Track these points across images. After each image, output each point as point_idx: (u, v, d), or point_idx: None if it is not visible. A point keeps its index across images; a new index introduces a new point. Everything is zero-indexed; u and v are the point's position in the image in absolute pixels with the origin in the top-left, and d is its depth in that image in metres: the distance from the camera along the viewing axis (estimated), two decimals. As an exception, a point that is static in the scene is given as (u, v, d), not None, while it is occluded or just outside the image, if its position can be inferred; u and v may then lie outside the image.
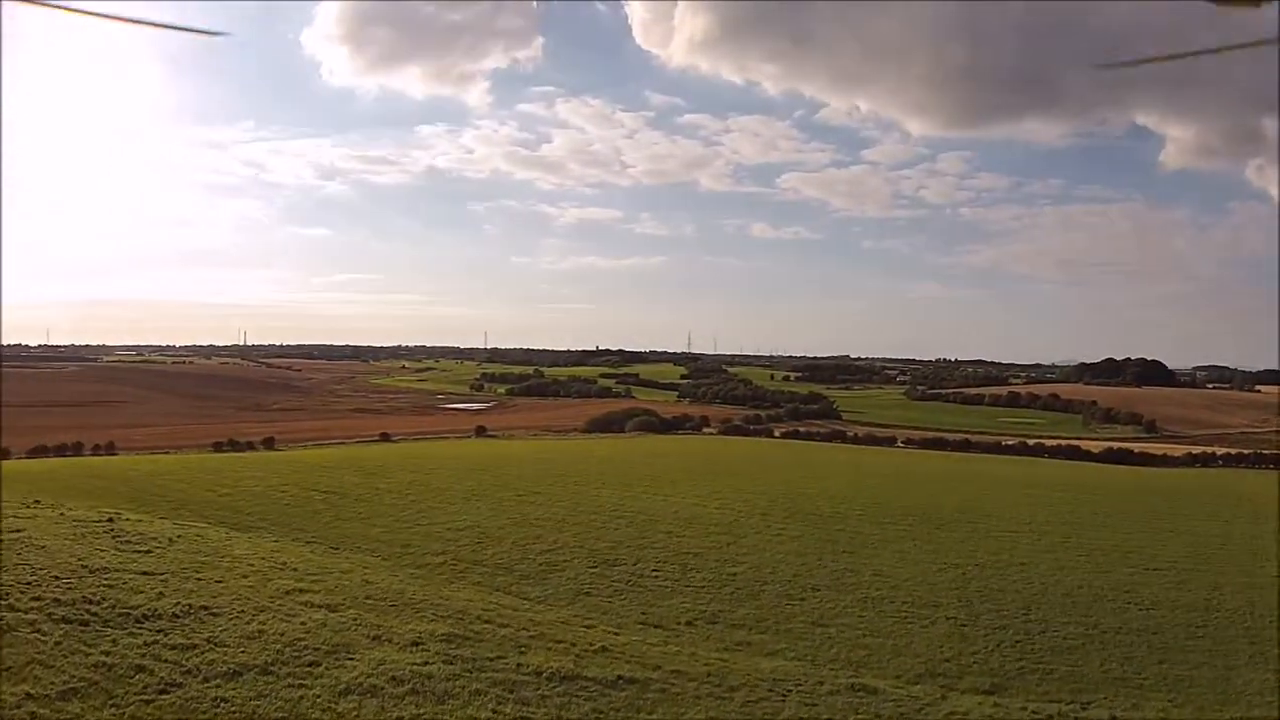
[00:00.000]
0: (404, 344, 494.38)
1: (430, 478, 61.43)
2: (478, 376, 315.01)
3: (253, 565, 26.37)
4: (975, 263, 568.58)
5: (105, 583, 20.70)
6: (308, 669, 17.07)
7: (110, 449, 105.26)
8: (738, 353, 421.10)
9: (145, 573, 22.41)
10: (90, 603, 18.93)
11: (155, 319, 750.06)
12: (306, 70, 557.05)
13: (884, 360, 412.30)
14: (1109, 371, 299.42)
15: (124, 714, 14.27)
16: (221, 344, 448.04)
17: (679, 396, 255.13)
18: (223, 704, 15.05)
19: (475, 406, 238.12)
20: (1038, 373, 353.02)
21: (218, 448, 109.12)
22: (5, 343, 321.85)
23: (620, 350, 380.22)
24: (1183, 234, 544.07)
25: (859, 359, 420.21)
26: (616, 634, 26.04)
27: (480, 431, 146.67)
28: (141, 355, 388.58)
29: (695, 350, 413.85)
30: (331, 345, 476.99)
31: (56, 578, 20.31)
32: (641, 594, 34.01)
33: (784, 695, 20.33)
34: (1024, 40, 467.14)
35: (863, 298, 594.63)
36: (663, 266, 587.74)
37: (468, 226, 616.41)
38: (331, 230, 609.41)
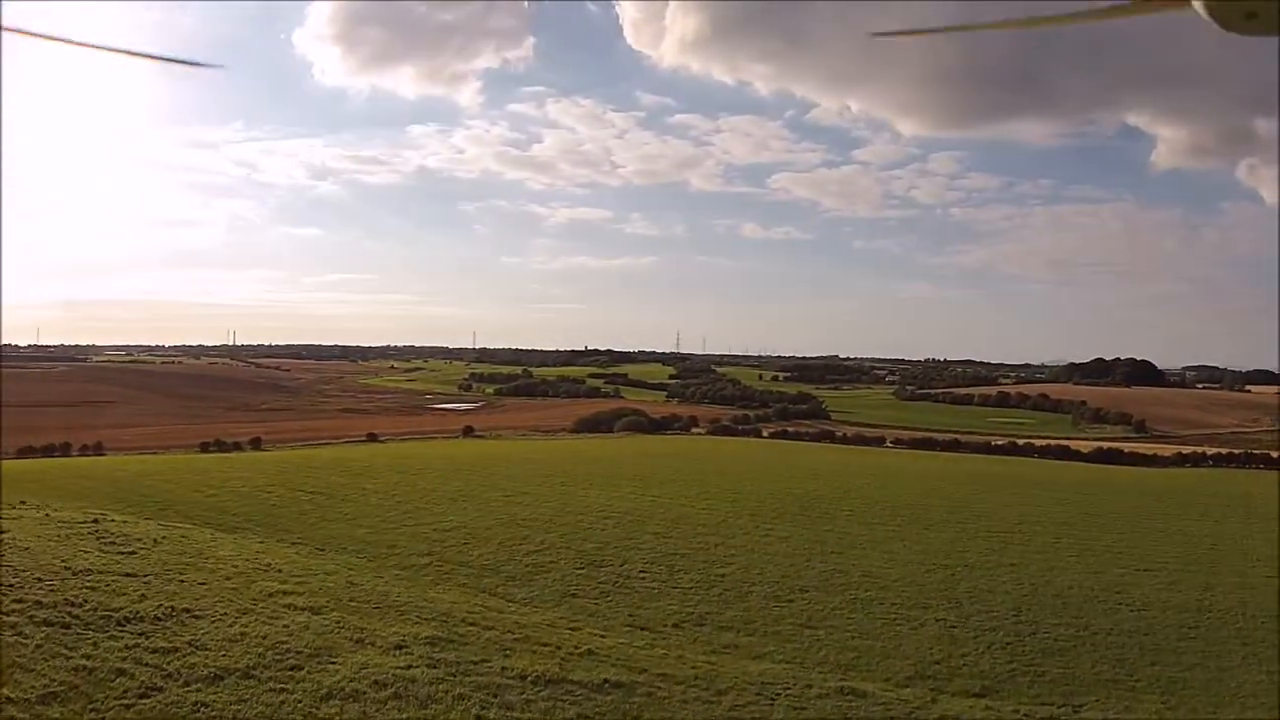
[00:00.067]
0: (393, 344, 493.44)
1: (417, 478, 61.24)
2: (466, 377, 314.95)
3: (236, 567, 26.30)
4: (966, 263, 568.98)
5: (88, 585, 20.62)
6: (289, 673, 16.94)
7: (98, 449, 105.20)
8: (726, 353, 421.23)
9: (128, 574, 22.36)
10: (72, 605, 18.81)
11: (145, 319, 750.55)
12: (298, 70, 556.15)
13: (873, 360, 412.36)
14: (1098, 371, 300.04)
15: (103, 718, 14.16)
16: (211, 344, 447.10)
17: (667, 396, 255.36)
18: (203, 708, 14.94)
19: (463, 407, 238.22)
20: (1027, 373, 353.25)
21: (205, 448, 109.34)
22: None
23: (609, 350, 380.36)
24: (1174, 234, 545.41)
25: (848, 359, 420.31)
26: (603, 636, 25.93)
27: (468, 432, 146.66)
28: (131, 355, 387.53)
29: (684, 350, 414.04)
30: (320, 345, 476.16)
31: (39, 579, 20.21)
32: (628, 595, 33.73)
33: (772, 699, 20.24)
34: (1015, 40, 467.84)
35: (853, 298, 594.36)
36: (653, 266, 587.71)
37: (458, 226, 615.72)
38: (323, 230, 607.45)
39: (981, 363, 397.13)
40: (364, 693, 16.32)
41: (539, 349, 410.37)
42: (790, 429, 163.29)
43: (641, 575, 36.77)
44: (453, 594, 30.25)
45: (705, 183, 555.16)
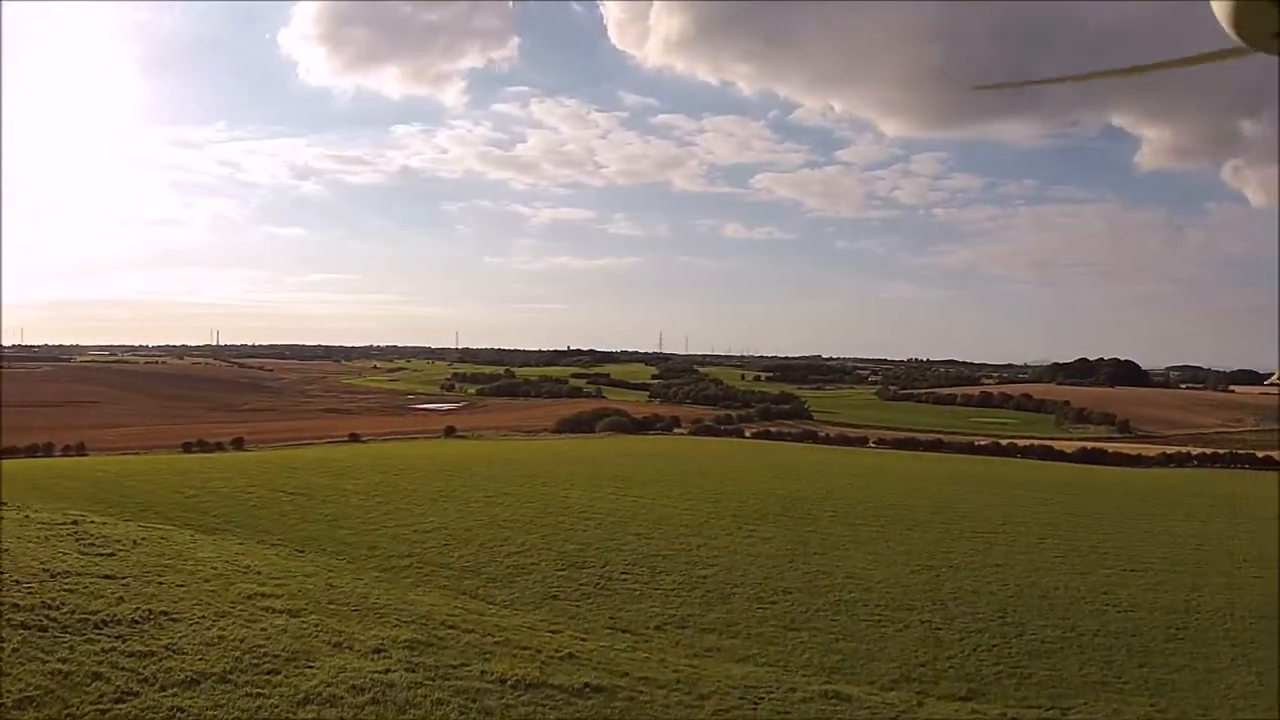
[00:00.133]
0: (376, 344, 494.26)
1: (399, 479, 61.01)
2: (448, 377, 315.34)
3: (215, 569, 25.89)
4: (949, 263, 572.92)
5: (66, 587, 20.25)
6: (266, 677, 16.51)
7: (80, 450, 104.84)
8: (709, 353, 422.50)
9: (107, 576, 22.00)
10: (50, 608, 18.43)
11: (129, 319, 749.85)
12: (283, 70, 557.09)
13: (856, 360, 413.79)
14: (1082, 372, 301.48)
15: (79, 724, 13.80)
16: (194, 344, 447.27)
17: (650, 397, 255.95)
18: (179, 714, 14.51)
19: (445, 407, 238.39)
20: (1010, 373, 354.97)
21: (187, 448, 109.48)
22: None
23: (591, 350, 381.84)
24: (1158, 235, 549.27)
25: (831, 359, 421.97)
26: (584, 639, 25.47)
27: (450, 432, 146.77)
28: (114, 355, 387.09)
29: (666, 350, 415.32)
30: (303, 345, 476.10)
31: (17, 582, 19.86)
32: (610, 597, 33.32)
33: (755, 702, 19.82)
34: (999, 41, 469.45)
35: (836, 298, 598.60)
36: (636, 267, 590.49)
37: (442, 226, 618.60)
38: (306, 230, 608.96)
39: (964, 363, 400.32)
40: (341, 698, 15.91)
41: (522, 349, 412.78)
42: (773, 429, 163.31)
43: (623, 577, 36.38)
44: (433, 596, 29.83)
45: (688, 183, 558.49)
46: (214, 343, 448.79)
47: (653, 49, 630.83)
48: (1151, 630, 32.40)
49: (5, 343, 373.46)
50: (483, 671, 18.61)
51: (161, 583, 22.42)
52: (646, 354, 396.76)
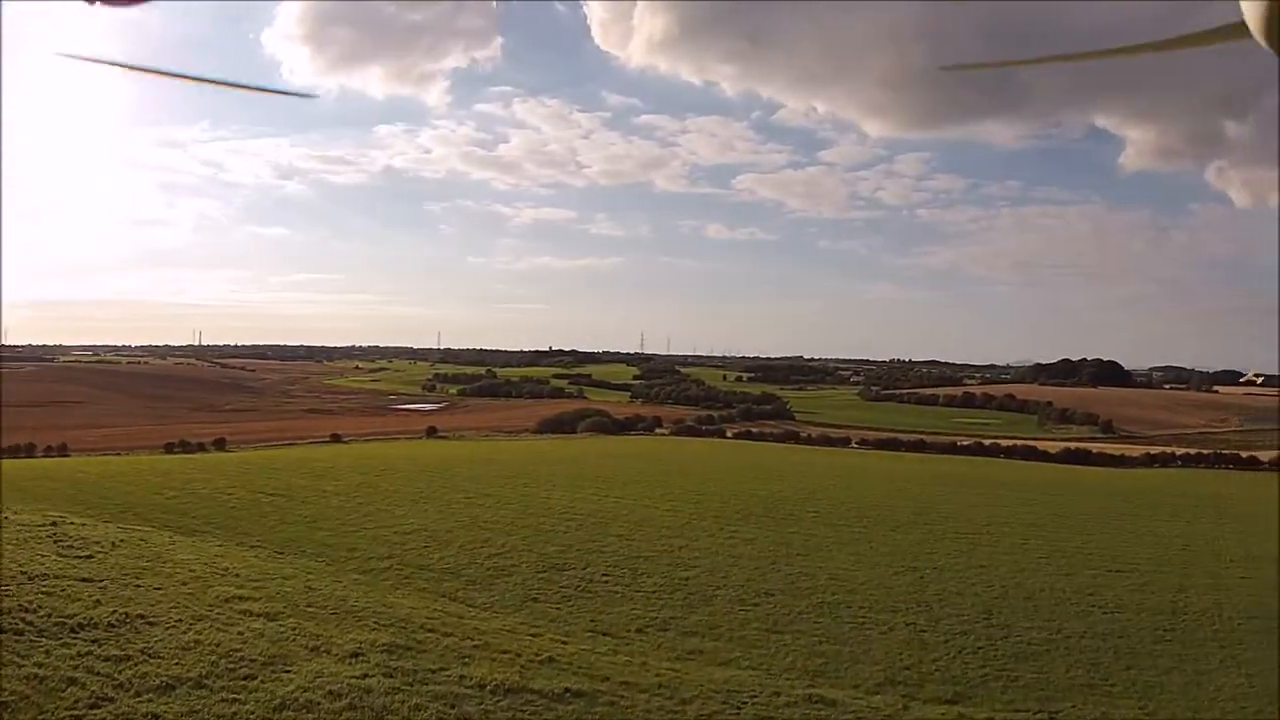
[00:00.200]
0: (358, 344, 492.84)
1: (379, 479, 60.79)
2: (430, 377, 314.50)
3: (194, 571, 25.74)
4: (932, 264, 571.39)
5: (43, 590, 20.20)
6: (242, 683, 16.37)
7: (62, 450, 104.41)
8: (691, 353, 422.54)
9: (85, 579, 21.96)
10: (26, 611, 18.37)
11: (112, 319, 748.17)
12: (267, 70, 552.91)
13: (838, 361, 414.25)
14: (1064, 372, 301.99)
15: (54, 729, 13.59)
16: (177, 344, 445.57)
17: (631, 397, 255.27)
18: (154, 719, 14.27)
19: (427, 407, 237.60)
20: (993, 373, 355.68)
21: (169, 449, 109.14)
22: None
23: (573, 351, 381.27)
24: (1142, 236, 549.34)
25: (812, 359, 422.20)
26: (564, 643, 25.24)
27: (431, 432, 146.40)
28: (97, 355, 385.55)
29: (648, 351, 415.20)
30: (286, 345, 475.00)
31: (-4, 585, 19.61)
32: (591, 600, 33.02)
33: (738, 707, 19.59)
34: (984, 42, 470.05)
35: (818, 298, 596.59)
36: (618, 267, 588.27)
37: (424, 226, 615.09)
38: (289, 230, 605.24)
39: (947, 363, 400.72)
40: (318, 703, 15.76)
41: (503, 349, 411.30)
42: (755, 430, 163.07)
43: (604, 579, 36.10)
44: (412, 599, 29.60)
45: (670, 183, 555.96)
46: (197, 343, 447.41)
47: (636, 49, 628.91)
48: (1139, 632, 32.24)
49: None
50: (461, 676, 18.45)
51: (139, 585, 22.39)
52: (628, 354, 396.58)
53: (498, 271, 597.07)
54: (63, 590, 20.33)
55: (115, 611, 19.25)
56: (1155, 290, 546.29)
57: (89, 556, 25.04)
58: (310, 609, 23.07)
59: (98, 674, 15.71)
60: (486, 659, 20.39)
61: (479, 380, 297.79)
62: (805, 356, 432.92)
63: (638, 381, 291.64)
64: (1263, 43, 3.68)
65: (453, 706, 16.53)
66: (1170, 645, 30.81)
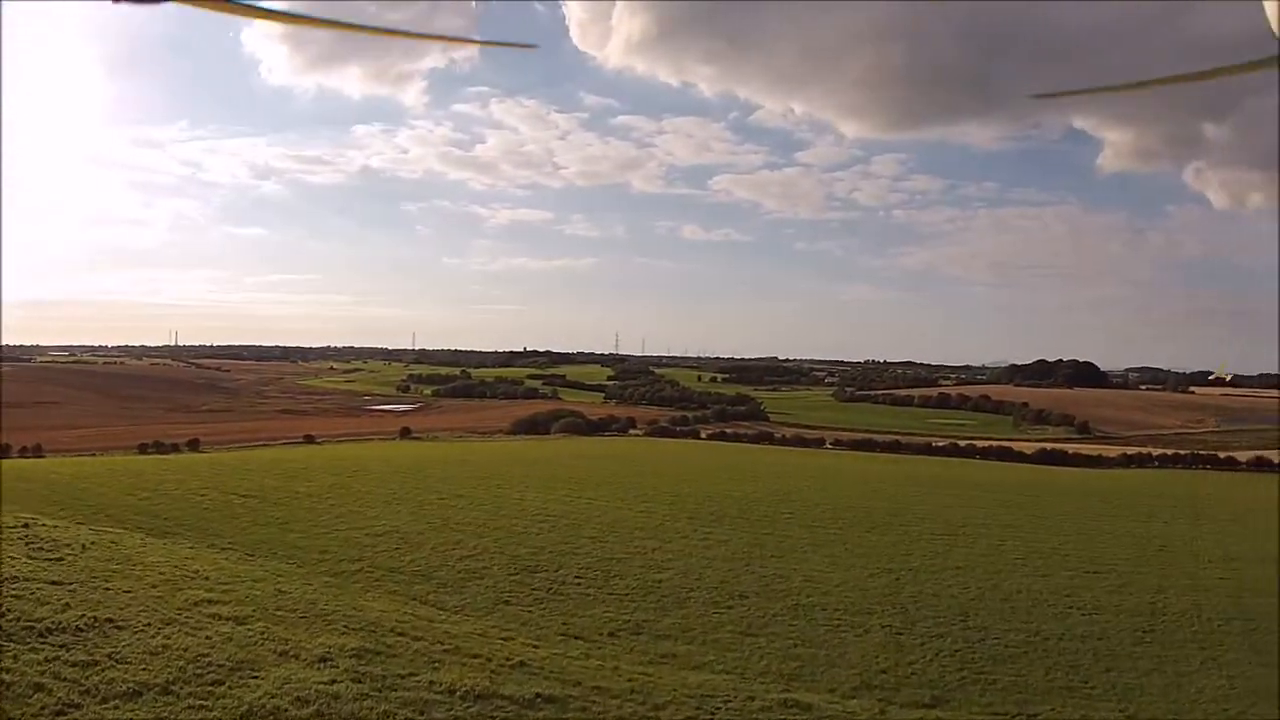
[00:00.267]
0: (333, 345, 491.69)
1: (352, 480, 60.45)
2: (404, 378, 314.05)
3: (164, 574, 25.21)
4: (908, 265, 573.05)
5: (13, 593, 19.67)
6: (210, 688, 15.85)
7: (37, 451, 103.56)
8: (665, 354, 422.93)
9: (54, 582, 21.42)
10: None
11: (88, 319, 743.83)
12: (245, 69, 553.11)
13: (813, 362, 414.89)
14: (1040, 373, 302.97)
15: (20, 737, 13.31)
16: (153, 344, 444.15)
17: (605, 398, 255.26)
18: (119, 727, 13.99)
19: (401, 408, 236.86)
20: (968, 374, 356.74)
21: (143, 450, 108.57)
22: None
23: (548, 351, 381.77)
24: (1118, 237, 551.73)
25: (788, 360, 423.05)
26: (536, 647, 24.85)
27: (405, 433, 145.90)
28: (74, 355, 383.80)
29: (623, 351, 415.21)
30: (261, 346, 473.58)
31: (-36, 588, 19.22)
32: (563, 603, 32.66)
33: (712, 712, 19.15)
34: (961, 43, 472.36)
35: (794, 299, 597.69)
36: (593, 268, 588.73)
37: (401, 227, 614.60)
38: (266, 230, 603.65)
39: (922, 364, 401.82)
40: (285, 710, 15.26)
41: (478, 350, 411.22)
42: (729, 430, 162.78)
43: (577, 581, 35.79)
44: (382, 602, 29.16)
45: (647, 184, 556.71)
46: (173, 343, 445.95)
47: (614, 50, 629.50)
48: (1118, 633, 32.06)
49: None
50: (431, 681, 17.99)
51: (108, 588, 21.96)
52: (603, 355, 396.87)
53: (473, 272, 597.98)
54: (32, 593, 19.90)
55: (84, 615, 18.87)
56: (1131, 291, 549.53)
57: (59, 559, 24.66)
58: (280, 612, 22.63)
59: (65, 679, 15.32)
60: (457, 664, 19.97)
61: (453, 381, 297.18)
62: (780, 357, 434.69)
63: (612, 382, 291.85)
64: None
65: (422, 713, 16.10)
66: (1150, 647, 30.63)
